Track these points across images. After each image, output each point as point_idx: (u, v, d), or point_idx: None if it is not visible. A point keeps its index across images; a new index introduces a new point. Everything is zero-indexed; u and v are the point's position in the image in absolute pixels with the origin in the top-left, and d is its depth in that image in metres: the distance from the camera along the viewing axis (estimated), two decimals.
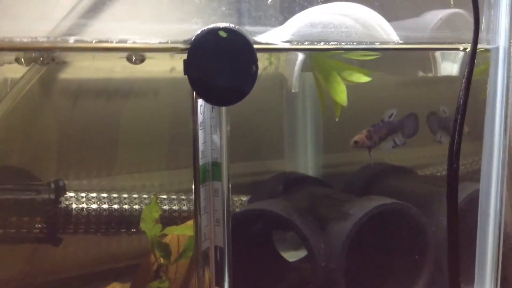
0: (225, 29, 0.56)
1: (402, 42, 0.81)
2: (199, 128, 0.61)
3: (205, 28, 0.56)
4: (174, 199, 1.06)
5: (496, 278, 0.89)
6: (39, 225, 0.93)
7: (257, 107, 1.11)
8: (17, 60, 0.91)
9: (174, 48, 0.59)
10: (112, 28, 0.65)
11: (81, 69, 1.02)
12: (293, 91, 0.79)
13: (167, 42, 0.61)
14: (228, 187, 0.64)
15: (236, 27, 0.58)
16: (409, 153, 1.28)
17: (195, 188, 0.63)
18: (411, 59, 0.93)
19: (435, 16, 0.92)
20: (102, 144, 1.04)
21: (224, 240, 0.64)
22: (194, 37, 0.56)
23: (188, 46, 0.57)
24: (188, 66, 0.56)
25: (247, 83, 0.59)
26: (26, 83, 0.95)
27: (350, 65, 0.82)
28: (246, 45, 0.58)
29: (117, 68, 1.07)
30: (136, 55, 0.67)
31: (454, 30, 0.90)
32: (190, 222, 0.98)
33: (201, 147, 0.62)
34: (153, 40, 0.61)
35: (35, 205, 0.92)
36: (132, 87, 1.10)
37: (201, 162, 0.62)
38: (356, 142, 0.90)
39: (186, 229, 0.93)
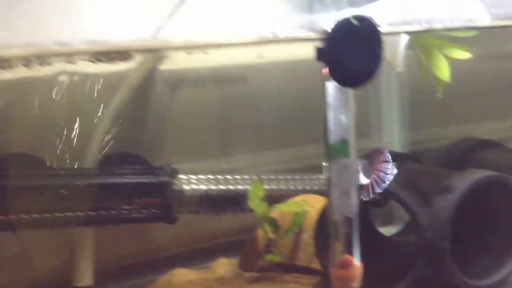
0: (357, 18, 0.61)
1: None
2: (329, 109, 0.67)
3: (340, 18, 0.61)
4: (272, 179, 1.12)
5: None
6: (157, 205, 1.01)
7: None
8: None
9: (307, 39, 0.64)
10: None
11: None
12: (398, 70, 0.82)
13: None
14: (356, 162, 0.69)
15: (367, 15, 0.62)
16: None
17: (328, 164, 0.68)
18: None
19: None
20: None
21: (352, 211, 0.70)
22: (332, 28, 0.61)
23: (322, 36, 0.62)
24: (323, 53, 0.62)
25: (375, 65, 0.64)
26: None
27: (450, 42, 0.86)
28: (374, 30, 0.63)
29: None
30: None
31: None
32: (296, 199, 1.04)
33: (331, 126, 0.67)
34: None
35: (152, 187, 1.01)
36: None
37: (332, 140, 0.68)
38: None
39: (294, 206, 0.99)
